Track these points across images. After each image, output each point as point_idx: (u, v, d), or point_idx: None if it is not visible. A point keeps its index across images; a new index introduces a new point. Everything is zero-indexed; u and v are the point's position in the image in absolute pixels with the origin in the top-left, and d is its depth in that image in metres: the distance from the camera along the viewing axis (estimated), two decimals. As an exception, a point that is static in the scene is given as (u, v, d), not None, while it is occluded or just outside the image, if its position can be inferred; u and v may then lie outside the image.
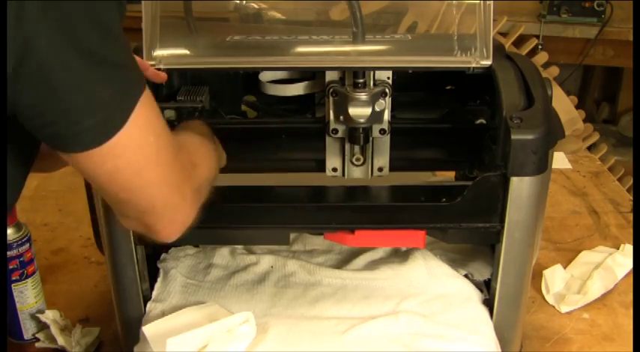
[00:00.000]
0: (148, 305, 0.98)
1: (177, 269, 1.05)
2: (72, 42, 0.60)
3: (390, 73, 1.01)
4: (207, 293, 1.01)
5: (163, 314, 0.96)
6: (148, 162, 0.67)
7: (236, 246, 1.12)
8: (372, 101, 0.98)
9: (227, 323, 0.91)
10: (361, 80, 0.98)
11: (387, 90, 0.99)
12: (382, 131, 1.02)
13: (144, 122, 0.66)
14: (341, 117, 1.00)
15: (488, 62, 0.95)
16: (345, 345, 0.91)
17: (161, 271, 1.04)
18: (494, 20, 0.95)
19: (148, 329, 0.92)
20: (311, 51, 1.01)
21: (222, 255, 1.10)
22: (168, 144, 0.70)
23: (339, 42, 1.00)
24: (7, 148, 0.60)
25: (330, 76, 1.01)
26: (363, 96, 0.98)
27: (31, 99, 0.61)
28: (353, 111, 0.98)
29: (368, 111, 0.98)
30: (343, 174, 1.07)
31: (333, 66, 1.00)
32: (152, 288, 1.01)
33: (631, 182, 2.32)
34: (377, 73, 1.00)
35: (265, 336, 0.92)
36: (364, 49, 0.98)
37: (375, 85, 1.00)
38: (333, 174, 1.07)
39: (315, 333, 0.93)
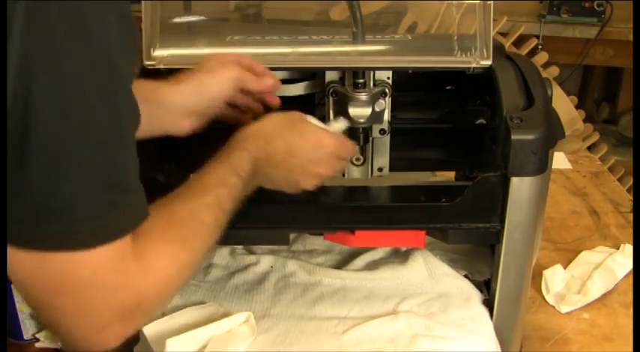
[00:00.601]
0: (148, 305, 0.98)
1: (177, 269, 1.05)
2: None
3: (390, 73, 1.01)
4: (207, 293, 1.01)
5: (163, 314, 0.96)
6: (75, 285, 0.61)
7: (236, 246, 1.12)
8: (372, 101, 0.98)
9: (227, 323, 0.91)
10: (361, 80, 0.98)
11: (387, 91, 0.99)
12: (382, 131, 1.02)
13: (90, 255, 0.60)
14: (341, 117, 1.00)
15: (488, 62, 0.95)
16: (344, 345, 0.91)
17: (161, 271, 1.04)
18: (494, 20, 0.95)
19: (148, 329, 0.92)
20: (311, 51, 1.01)
21: (222, 255, 1.10)
22: (106, 273, 0.62)
23: (339, 42, 1.00)
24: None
25: (330, 76, 1.01)
26: (363, 96, 0.98)
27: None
28: (353, 111, 0.98)
29: (368, 111, 0.98)
30: (343, 174, 1.07)
31: (333, 66, 1.00)
32: (152, 288, 1.01)
33: (631, 182, 2.31)
34: (377, 73, 1.00)
35: (265, 336, 0.92)
36: (364, 49, 0.98)
37: (375, 85, 1.00)
38: (333, 174, 1.07)
39: (314, 333, 0.93)
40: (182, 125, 0.91)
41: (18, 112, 0.55)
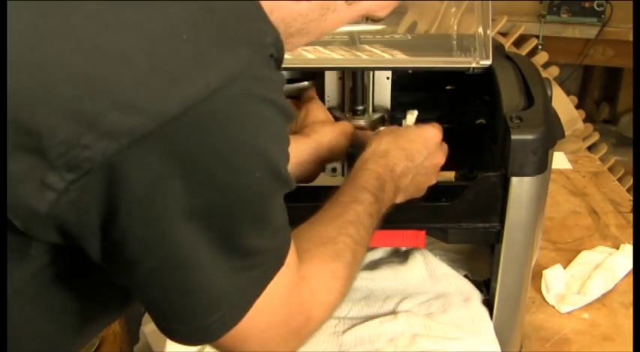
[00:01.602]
0: (148, 305, 0.98)
1: (177, 269, 1.05)
2: (221, 240, 0.55)
3: (389, 73, 1.01)
4: (207, 293, 1.01)
5: (163, 314, 0.96)
6: (253, 339, 0.62)
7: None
8: (372, 128, 0.99)
9: (227, 323, 0.91)
10: (360, 107, 0.99)
11: (385, 117, 1.00)
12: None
13: (267, 305, 0.60)
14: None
15: (487, 62, 0.95)
16: (344, 345, 0.91)
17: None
18: (493, 20, 0.96)
19: (148, 329, 0.92)
20: (311, 51, 1.01)
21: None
22: (283, 316, 0.63)
23: (339, 42, 1.00)
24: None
25: (329, 102, 1.01)
26: (362, 122, 0.99)
27: (139, 287, 0.57)
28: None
29: None
30: (343, 174, 1.07)
31: (333, 66, 1.00)
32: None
33: (631, 182, 2.32)
34: (376, 99, 1.01)
35: (265, 336, 0.92)
36: (364, 49, 0.98)
37: (374, 110, 1.00)
38: (333, 174, 1.07)
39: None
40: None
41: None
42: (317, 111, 0.99)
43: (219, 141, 0.52)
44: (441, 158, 0.89)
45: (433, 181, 0.90)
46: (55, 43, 0.49)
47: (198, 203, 0.53)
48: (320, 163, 0.96)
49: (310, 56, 1.00)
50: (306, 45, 1.00)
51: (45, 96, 0.49)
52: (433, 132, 0.89)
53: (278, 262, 0.61)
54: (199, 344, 0.62)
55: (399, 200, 0.87)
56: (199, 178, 0.52)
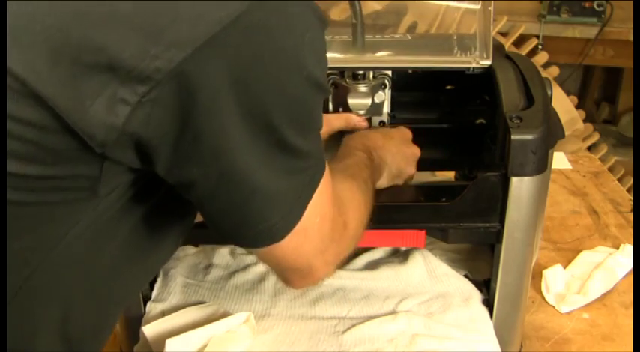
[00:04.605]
0: (148, 305, 0.98)
1: (177, 269, 1.05)
2: (276, 141, 0.59)
3: (389, 72, 1.01)
4: (207, 293, 1.01)
5: (163, 314, 0.96)
6: (307, 240, 0.66)
7: (236, 246, 1.12)
8: (372, 92, 0.99)
9: (227, 323, 0.91)
10: (361, 71, 0.99)
11: (386, 82, 1.00)
12: (382, 123, 1.03)
13: (317, 205, 0.65)
14: (340, 109, 1.01)
15: (487, 62, 0.95)
16: (344, 345, 0.91)
17: (161, 271, 1.04)
18: (493, 20, 0.96)
19: (147, 329, 0.92)
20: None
21: (222, 255, 1.10)
22: (329, 216, 0.68)
23: (339, 42, 1.00)
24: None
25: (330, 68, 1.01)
26: (362, 87, 0.99)
27: (209, 196, 0.60)
28: (352, 102, 0.99)
29: (368, 102, 0.99)
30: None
31: (333, 66, 1.00)
32: (152, 288, 1.01)
33: (631, 182, 2.32)
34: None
35: (265, 336, 0.93)
36: (364, 48, 0.98)
37: (374, 76, 1.00)
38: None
39: (314, 333, 0.93)
40: None
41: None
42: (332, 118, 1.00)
43: (272, 42, 0.55)
44: (417, 150, 0.96)
45: (413, 171, 0.96)
46: None
47: (254, 104, 0.56)
48: None
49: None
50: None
51: (112, 14, 0.51)
52: (404, 128, 0.97)
53: (323, 165, 0.65)
54: (265, 246, 0.64)
55: (386, 180, 0.93)
56: (255, 80, 0.55)
